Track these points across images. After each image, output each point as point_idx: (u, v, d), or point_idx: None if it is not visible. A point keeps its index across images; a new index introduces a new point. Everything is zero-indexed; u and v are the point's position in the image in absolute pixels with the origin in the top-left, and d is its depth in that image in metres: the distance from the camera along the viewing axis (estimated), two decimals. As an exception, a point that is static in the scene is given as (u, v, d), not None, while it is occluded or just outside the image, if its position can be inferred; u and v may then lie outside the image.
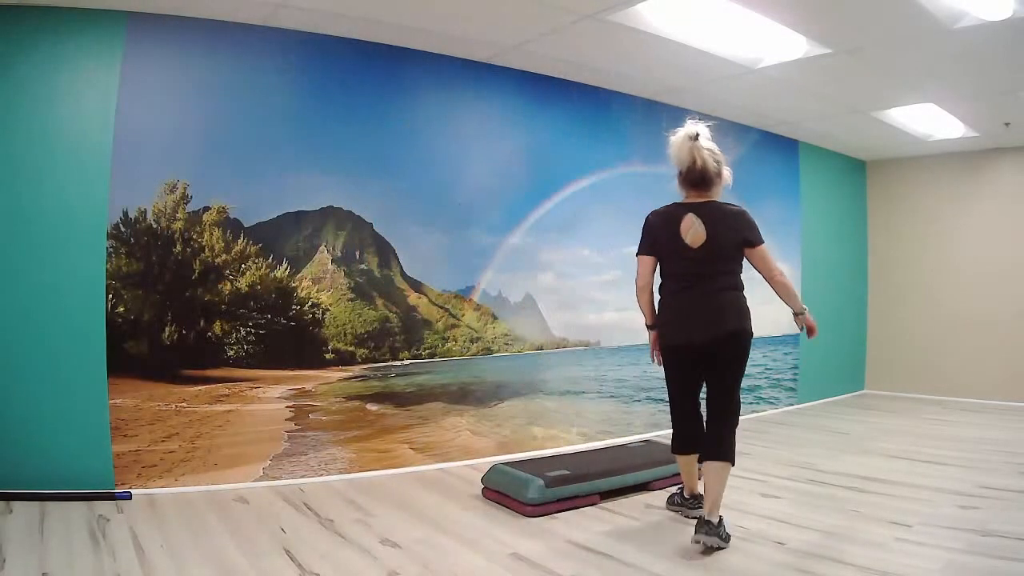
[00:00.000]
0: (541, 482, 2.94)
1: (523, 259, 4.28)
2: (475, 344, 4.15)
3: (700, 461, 2.67)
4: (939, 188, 6.23)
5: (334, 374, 3.66)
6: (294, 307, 3.57)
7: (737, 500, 3.12)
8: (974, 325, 5.93)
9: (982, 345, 5.88)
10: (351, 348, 3.72)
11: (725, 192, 2.81)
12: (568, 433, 4.37)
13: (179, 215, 3.26)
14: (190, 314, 3.31)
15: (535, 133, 4.31)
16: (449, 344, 4.05)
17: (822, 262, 6.09)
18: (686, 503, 2.91)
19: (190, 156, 3.27)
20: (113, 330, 3.11)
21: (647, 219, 2.73)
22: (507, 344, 4.28)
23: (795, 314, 2.77)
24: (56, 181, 3.04)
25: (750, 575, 2.28)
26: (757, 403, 5.48)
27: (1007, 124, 5.08)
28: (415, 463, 3.74)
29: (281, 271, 3.53)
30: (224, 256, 3.38)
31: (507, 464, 3.26)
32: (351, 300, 3.74)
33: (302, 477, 3.42)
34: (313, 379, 3.60)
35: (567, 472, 3.08)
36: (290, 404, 3.51)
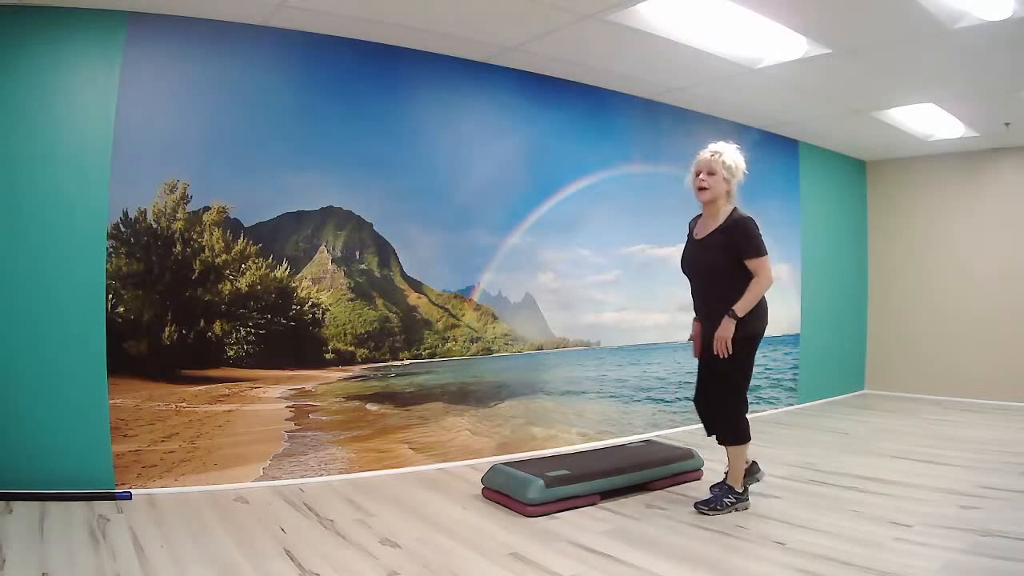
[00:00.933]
0: (541, 482, 2.94)
1: (523, 259, 4.28)
2: (475, 344, 4.15)
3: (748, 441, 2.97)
4: (939, 188, 6.23)
5: (334, 374, 3.66)
6: (294, 307, 3.57)
7: (737, 500, 3.12)
8: (974, 325, 5.94)
9: (982, 345, 5.88)
10: (351, 348, 3.72)
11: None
12: (568, 433, 4.37)
13: (179, 215, 3.26)
14: (190, 314, 3.31)
15: (535, 133, 4.31)
16: (449, 344, 4.05)
17: (822, 262, 6.10)
18: (743, 497, 3.00)
19: (190, 156, 3.27)
20: (113, 330, 3.11)
21: (755, 222, 2.98)
22: (507, 344, 4.28)
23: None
24: (56, 181, 3.04)
25: (750, 575, 2.28)
26: (757, 403, 5.47)
27: (1007, 124, 5.08)
28: (415, 463, 3.74)
29: (281, 271, 3.53)
30: (224, 256, 3.38)
31: (507, 464, 3.26)
32: (351, 300, 3.74)
33: (302, 477, 3.42)
34: (313, 379, 3.60)
35: (567, 472, 3.08)
36: (290, 404, 3.51)
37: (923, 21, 3.26)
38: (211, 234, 3.34)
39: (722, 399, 2.96)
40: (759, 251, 2.85)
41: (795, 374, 5.82)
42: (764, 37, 3.65)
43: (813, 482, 3.43)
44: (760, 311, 2.91)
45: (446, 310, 4.04)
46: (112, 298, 3.12)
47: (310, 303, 3.61)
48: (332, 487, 3.34)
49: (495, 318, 4.23)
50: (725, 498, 2.94)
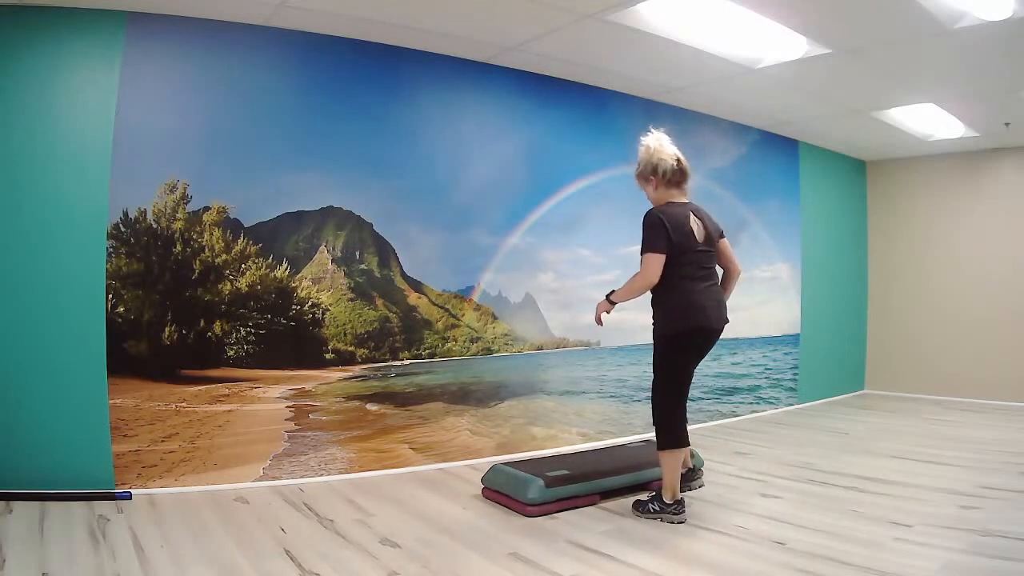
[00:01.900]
0: (541, 482, 2.94)
1: (523, 259, 4.28)
2: (475, 344, 4.15)
3: (679, 447, 2.82)
4: (939, 188, 6.23)
5: (334, 374, 3.66)
6: (294, 307, 3.57)
7: (737, 500, 3.12)
8: (974, 325, 5.94)
9: (982, 345, 5.88)
10: (351, 348, 3.72)
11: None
12: (568, 433, 4.37)
13: (179, 215, 3.26)
14: (190, 314, 3.31)
15: (535, 133, 4.31)
16: (449, 344, 4.05)
17: (822, 262, 6.10)
18: (668, 508, 2.81)
19: (190, 156, 3.27)
20: (113, 330, 3.11)
21: (659, 217, 2.74)
22: (507, 344, 4.28)
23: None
24: (56, 181, 3.04)
25: (750, 575, 2.28)
26: (757, 403, 5.47)
27: (1007, 124, 5.08)
28: (415, 463, 3.74)
29: (281, 271, 3.53)
30: (224, 256, 3.38)
31: (507, 464, 3.26)
32: (351, 300, 3.74)
33: (302, 477, 3.42)
34: (313, 379, 3.60)
35: (567, 472, 3.08)
36: (290, 404, 3.51)
37: (923, 21, 3.26)
38: (211, 234, 3.34)
39: (653, 399, 2.87)
40: (644, 246, 2.71)
41: (795, 374, 5.82)
42: (764, 37, 3.65)
43: (813, 482, 3.43)
44: (676, 312, 2.74)
45: (446, 310, 4.04)
46: (112, 298, 3.12)
47: (310, 303, 3.61)
48: (332, 487, 3.34)
49: (495, 318, 4.23)
50: (651, 504, 2.85)
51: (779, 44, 3.73)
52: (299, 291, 3.57)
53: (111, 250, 3.12)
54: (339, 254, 3.70)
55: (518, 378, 4.28)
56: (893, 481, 3.39)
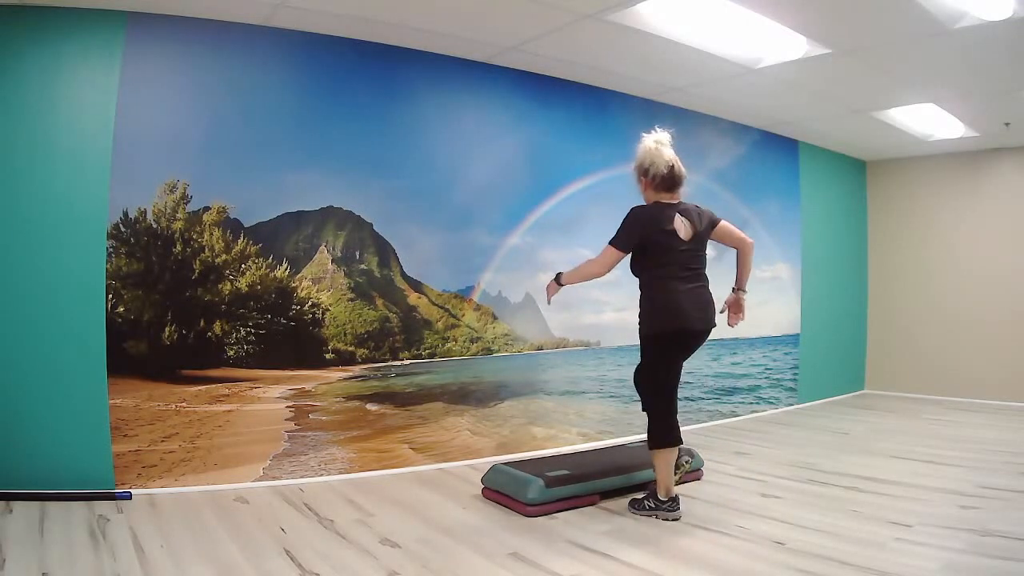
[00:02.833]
0: (541, 482, 2.94)
1: (523, 259, 4.28)
2: (475, 344, 4.15)
3: (671, 446, 2.83)
4: (939, 188, 6.23)
5: (334, 374, 3.66)
6: (294, 307, 3.57)
7: (737, 500, 3.12)
8: (974, 325, 5.94)
9: (982, 345, 5.88)
10: (351, 348, 3.72)
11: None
12: (568, 433, 4.37)
13: (179, 215, 3.26)
14: (190, 314, 3.31)
15: (535, 133, 4.31)
16: (449, 344, 4.05)
17: (822, 262, 6.10)
18: (663, 505, 2.84)
19: (190, 156, 3.27)
20: (113, 330, 3.11)
21: (637, 216, 2.77)
22: (507, 344, 4.28)
23: (735, 289, 3.03)
24: (56, 181, 3.04)
25: (750, 575, 2.28)
26: (757, 403, 5.47)
27: (1007, 124, 5.08)
28: (415, 463, 3.74)
29: (281, 271, 3.53)
30: (224, 256, 3.38)
31: (507, 464, 3.26)
32: (351, 300, 3.74)
33: (302, 477, 3.42)
34: (313, 379, 3.60)
35: (567, 472, 3.08)
36: (290, 404, 3.51)
37: (923, 21, 3.26)
38: (211, 234, 3.34)
39: (643, 399, 2.88)
40: (612, 238, 2.78)
41: (795, 374, 5.82)
42: (764, 37, 3.65)
43: (813, 482, 3.43)
44: (657, 312, 2.76)
45: (446, 310, 4.04)
46: (112, 298, 3.12)
47: (310, 303, 3.61)
48: (332, 487, 3.34)
49: (495, 318, 4.23)
50: (646, 502, 2.89)
51: (779, 44, 3.73)
52: (299, 291, 3.57)
53: (111, 250, 3.12)
54: (339, 254, 3.70)
55: (518, 378, 4.28)
56: (893, 481, 3.39)
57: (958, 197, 6.11)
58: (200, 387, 3.32)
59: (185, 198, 3.27)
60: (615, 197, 4.58)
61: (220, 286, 3.38)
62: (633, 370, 2.96)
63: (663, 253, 2.73)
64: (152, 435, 3.17)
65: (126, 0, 3.05)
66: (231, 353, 3.41)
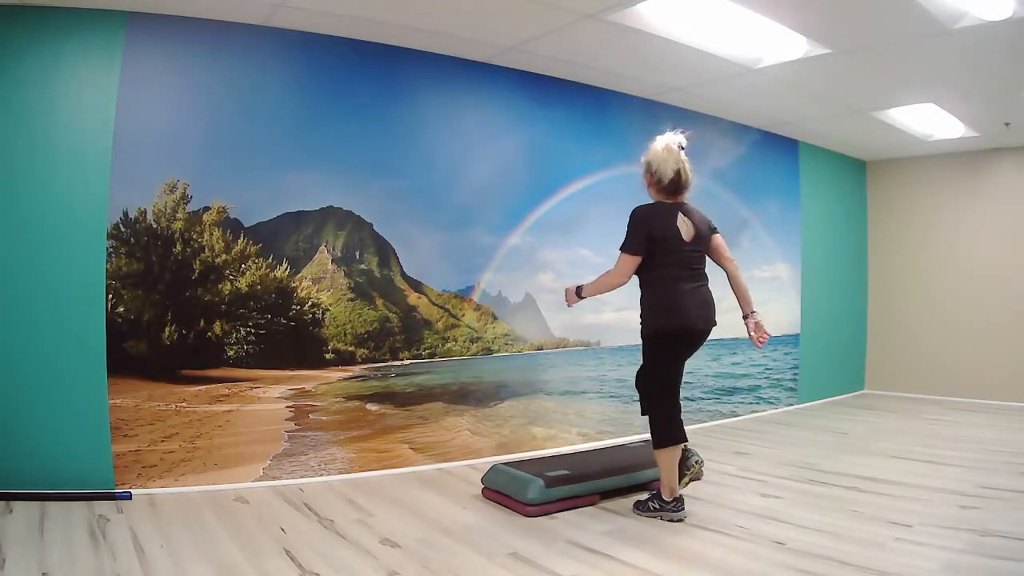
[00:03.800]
0: (541, 482, 2.94)
1: (523, 259, 4.28)
2: (475, 344, 4.15)
3: (675, 444, 2.81)
4: (939, 188, 6.23)
5: (334, 374, 3.66)
6: (294, 307, 3.57)
7: (737, 500, 3.12)
8: (974, 325, 5.94)
9: (982, 345, 5.88)
10: (351, 348, 3.72)
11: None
12: (568, 433, 4.37)
13: (179, 215, 3.26)
14: (190, 314, 3.31)
15: (535, 133, 4.31)
16: (449, 344, 4.05)
17: (822, 262, 6.10)
18: (668, 506, 2.83)
19: (190, 156, 3.27)
20: (113, 330, 3.11)
21: (642, 216, 2.78)
22: (507, 344, 4.28)
23: (746, 315, 2.91)
24: (56, 181, 3.04)
25: (750, 575, 2.28)
26: (757, 403, 5.47)
27: (1007, 124, 5.08)
28: (415, 463, 3.74)
29: (281, 271, 3.53)
30: (224, 256, 3.38)
31: (507, 464, 3.26)
32: (351, 300, 3.74)
33: (302, 477, 3.42)
34: (313, 379, 3.60)
35: (567, 472, 3.08)
36: (290, 404, 3.51)
37: (923, 21, 3.26)
38: (211, 234, 3.34)
39: (647, 399, 2.87)
40: (623, 244, 2.78)
41: (795, 374, 5.82)
42: (764, 37, 3.65)
43: (813, 482, 3.43)
44: (659, 311, 2.75)
45: (446, 310, 4.04)
46: (112, 298, 3.12)
47: (310, 303, 3.61)
48: (332, 487, 3.34)
49: (495, 318, 4.23)
50: (651, 503, 2.88)
51: (779, 44, 3.73)
52: (299, 291, 3.57)
53: (111, 250, 3.12)
54: (339, 254, 3.70)
55: (518, 378, 4.28)
56: (893, 481, 3.39)
57: (958, 197, 6.11)
58: (200, 387, 3.32)
59: (185, 198, 3.27)
60: (615, 197, 4.60)
61: (220, 286, 3.38)
62: (636, 371, 2.95)
63: (665, 253, 2.74)
64: (152, 435, 3.17)
65: (126, 0, 3.05)
66: (231, 353, 3.41)
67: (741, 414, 5.27)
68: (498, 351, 4.25)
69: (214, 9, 3.21)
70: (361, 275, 3.78)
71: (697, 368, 5.03)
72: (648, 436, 2.89)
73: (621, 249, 2.78)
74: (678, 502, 2.83)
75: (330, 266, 3.67)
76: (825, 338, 6.13)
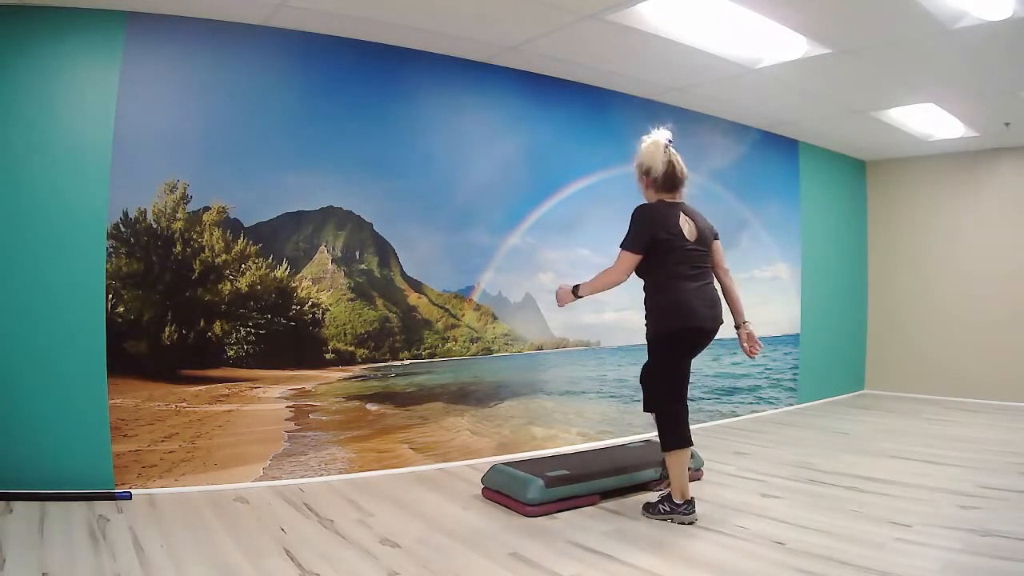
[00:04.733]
0: (541, 482, 2.94)
1: (523, 259, 4.28)
2: (475, 344, 4.15)
3: (683, 447, 2.79)
4: (939, 188, 6.23)
5: (334, 374, 3.66)
6: (294, 307, 3.57)
7: (737, 500, 3.12)
8: (974, 325, 5.94)
9: (982, 345, 5.88)
10: (351, 348, 3.72)
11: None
12: (568, 433, 4.37)
13: (179, 215, 3.26)
14: (190, 314, 3.31)
15: (535, 133, 4.31)
16: (449, 344, 4.05)
17: (822, 262, 6.10)
18: (679, 508, 2.80)
19: (190, 156, 3.27)
20: (113, 330, 3.11)
21: (645, 215, 2.76)
22: (507, 344, 4.28)
23: (738, 325, 2.97)
24: (56, 181, 3.04)
25: (750, 575, 2.28)
26: (757, 403, 5.47)
27: (1007, 124, 5.08)
28: (415, 463, 3.74)
29: (281, 271, 3.53)
30: (224, 256, 3.38)
31: (507, 464, 3.26)
32: (351, 300, 3.74)
33: (302, 477, 3.42)
34: (313, 379, 3.60)
35: (567, 472, 3.08)
36: (290, 404, 3.51)
37: (923, 21, 3.26)
38: (211, 234, 3.34)
39: (651, 401, 2.85)
40: (624, 242, 2.75)
41: (795, 374, 5.82)
42: (764, 37, 3.65)
43: (813, 482, 3.43)
44: (666, 311, 2.73)
45: (446, 310, 4.04)
46: (112, 298, 3.12)
47: (310, 303, 3.61)
48: (332, 487, 3.34)
49: (495, 318, 4.23)
50: (661, 505, 2.84)
51: (779, 44, 3.73)
52: (299, 291, 3.57)
53: (111, 250, 3.12)
54: (339, 254, 3.70)
55: (518, 378, 4.28)
56: (893, 481, 3.39)
57: (958, 197, 6.11)
58: (200, 387, 3.32)
59: (185, 198, 3.27)
60: (615, 197, 4.60)
61: (220, 286, 3.38)
62: (640, 368, 2.93)
63: (670, 252, 2.71)
64: (152, 435, 3.17)
65: (126, 0, 3.05)
66: (231, 353, 3.41)
67: (741, 414, 5.27)
68: (498, 351, 4.25)
69: (214, 9, 3.21)
70: (361, 275, 3.78)
71: (697, 368, 4.96)
72: (648, 436, 2.89)
73: (622, 246, 2.77)
74: (689, 504, 2.79)
75: (330, 266, 3.67)
76: (825, 338, 6.13)
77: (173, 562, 2.33)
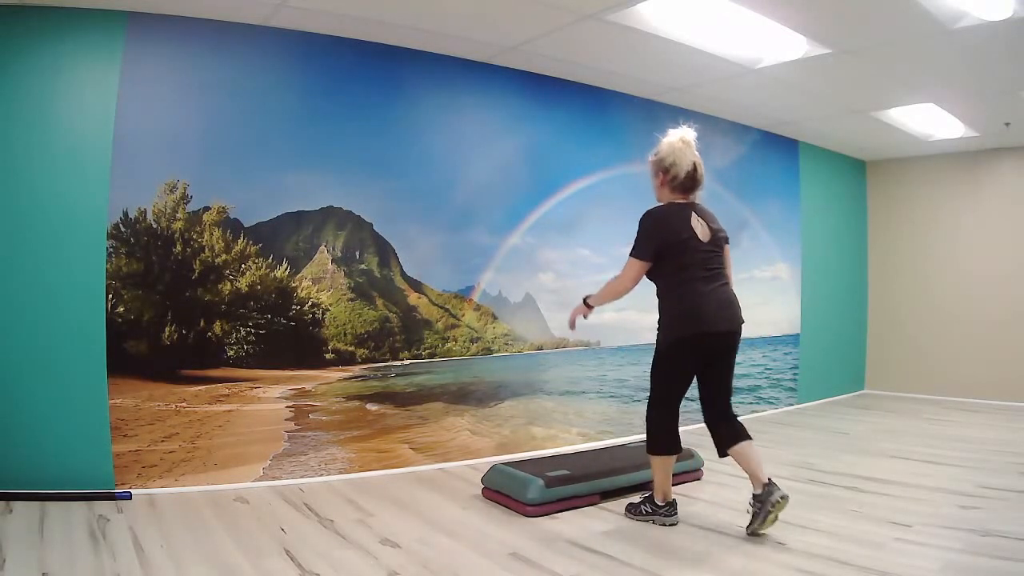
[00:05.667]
0: (541, 482, 2.94)
1: (523, 259, 4.28)
2: (475, 344, 4.15)
3: (733, 445, 2.66)
4: (939, 188, 6.23)
5: (334, 374, 3.66)
6: (294, 307, 3.57)
7: (737, 500, 3.12)
8: (974, 325, 5.94)
9: (982, 345, 5.88)
10: (351, 348, 3.72)
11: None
12: (568, 433, 4.37)
13: (179, 215, 3.26)
14: (190, 314, 3.31)
15: (535, 133, 4.31)
16: (449, 344, 4.05)
17: (822, 262, 6.10)
18: (660, 510, 2.78)
19: (190, 156, 3.27)
20: (113, 330, 3.11)
21: (655, 220, 2.67)
22: (507, 344, 4.28)
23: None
24: (56, 181, 3.04)
25: (750, 575, 2.28)
26: (757, 403, 5.47)
27: (1007, 124, 5.08)
28: (415, 463, 3.74)
29: (281, 271, 3.53)
30: (224, 256, 3.38)
31: (507, 464, 3.26)
32: (351, 300, 3.74)
33: (302, 477, 3.42)
34: (313, 379, 3.60)
35: (567, 472, 3.08)
36: (290, 404, 3.51)
37: (923, 21, 3.26)
38: (211, 234, 3.34)
39: (649, 400, 2.79)
40: (633, 248, 2.66)
41: (795, 374, 5.82)
42: (764, 37, 3.65)
43: (813, 482, 3.43)
44: (677, 318, 2.64)
45: (446, 310, 4.04)
46: (112, 298, 3.12)
47: (310, 303, 3.61)
48: (332, 487, 3.34)
49: (495, 318, 4.23)
50: (643, 506, 2.82)
51: (779, 44, 3.73)
52: (299, 291, 3.57)
53: (111, 250, 3.12)
54: (339, 254, 3.70)
55: (518, 378, 4.28)
56: (893, 481, 3.39)
57: (958, 197, 6.11)
58: (200, 387, 3.32)
59: (185, 198, 3.27)
60: (615, 197, 4.61)
61: (220, 286, 3.38)
62: (647, 375, 2.83)
63: (683, 255, 2.61)
64: (152, 435, 3.17)
65: (126, 0, 3.05)
66: (231, 353, 3.41)
67: (741, 414, 5.18)
68: (498, 351, 4.25)
69: (214, 9, 3.21)
70: (361, 275, 3.78)
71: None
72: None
73: (631, 254, 2.67)
74: (671, 507, 2.78)
75: (330, 266, 3.67)
76: (825, 338, 6.13)
77: (173, 562, 2.33)
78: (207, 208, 3.32)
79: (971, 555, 2.39)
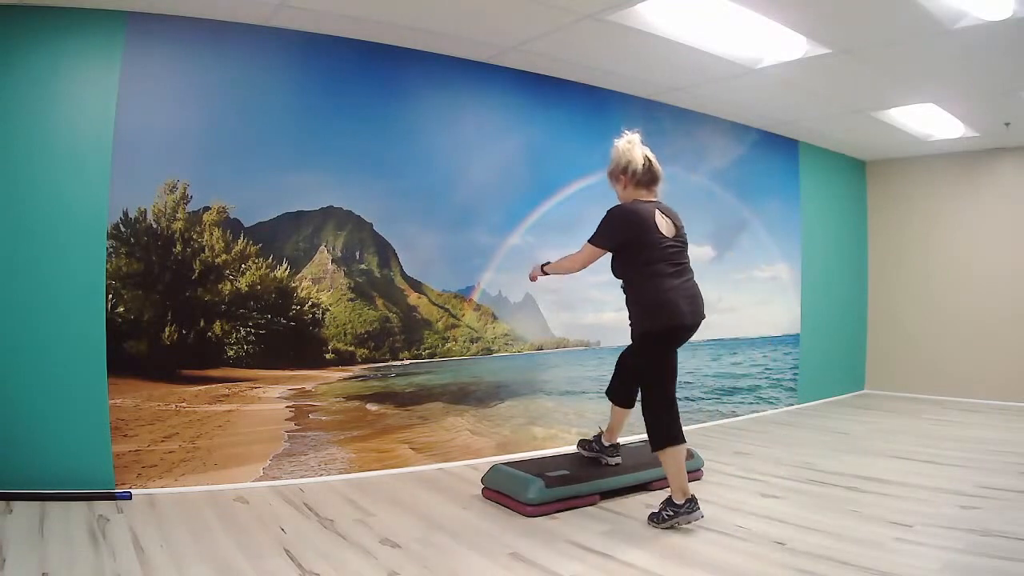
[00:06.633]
0: (541, 482, 2.94)
1: (523, 259, 4.27)
2: (475, 344, 4.15)
3: (621, 403, 3.11)
4: (939, 188, 6.23)
5: (334, 374, 3.66)
6: (294, 307, 3.57)
7: (737, 500, 3.13)
8: (974, 325, 5.94)
9: (982, 345, 5.88)
10: (351, 348, 3.72)
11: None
12: (568, 433, 4.37)
13: (179, 215, 3.26)
14: (190, 314, 3.31)
15: (535, 133, 4.31)
16: (449, 344, 4.05)
17: (822, 262, 6.10)
18: (682, 509, 2.74)
19: (190, 156, 3.27)
20: (113, 330, 3.11)
21: (618, 216, 2.79)
22: (507, 344, 4.28)
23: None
24: (56, 181, 3.03)
25: (750, 575, 2.28)
26: (757, 403, 5.47)
27: (1007, 124, 5.08)
28: (415, 463, 3.74)
29: (281, 271, 3.53)
30: (224, 256, 3.38)
31: (507, 464, 3.26)
32: (351, 300, 3.74)
33: (302, 477, 3.42)
34: (313, 379, 3.60)
35: (567, 472, 3.08)
36: (290, 404, 3.51)
37: (923, 21, 3.26)
38: (211, 234, 3.34)
39: (642, 399, 2.84)
40: (593, 235, 2.82)
41: (795, 374, 5.82)
42: (764, 37, 3.65)
43: (813, 482, 3.43)
44: (649, 310, 2.73)
45: (446, 310, 4.04)
46: (112, 298, 3.12)
47: (310, 303, 3.61)
48: (332, 487, 3.34)
49: (495, 318, 4.23)
50: (664, 512, 2.74)
51: (779, 44, 3.73)
52: (299, 291, 3.57)
53: (111, 250, 3.12)
54: (339, 254, 3.70)
55: (518, 378, 4.28)
56: (893, 481, 3.40)
57: (958, 197, 6.11)
58: (200, 387, 3.32)
59: (185, 198, 3.27)
60: (615, 197, 4.58)
61: (220, 286, 3.38)
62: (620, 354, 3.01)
63: (649, 250, 2.71)
64: (152, 435, 3.17)
65: (126, 0, 3.05)
66: (231, 353, 3.41)
67: (741, 414, 5.26)
68: (498, 351, 4.25)
69: (214, 9, 3.21)
70: (361, 275, 3.78)
71: (697, 368, 5.03)
72: (646, 437, 2.87)
73: (589, 240, 2.83)
74: (691, 503, 2.73)
75: (330, 266, 3.67)
76: (825, 338, 6.13)
77: (173, 562, 2.33)
78: (207, 208, 3.32)
79: (971, 555, 2.39)
